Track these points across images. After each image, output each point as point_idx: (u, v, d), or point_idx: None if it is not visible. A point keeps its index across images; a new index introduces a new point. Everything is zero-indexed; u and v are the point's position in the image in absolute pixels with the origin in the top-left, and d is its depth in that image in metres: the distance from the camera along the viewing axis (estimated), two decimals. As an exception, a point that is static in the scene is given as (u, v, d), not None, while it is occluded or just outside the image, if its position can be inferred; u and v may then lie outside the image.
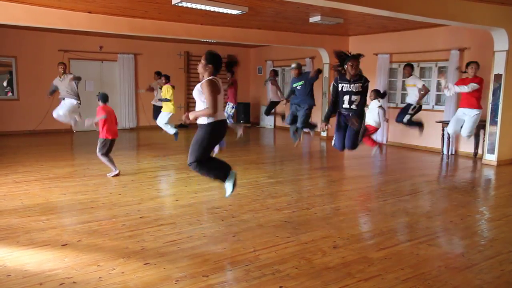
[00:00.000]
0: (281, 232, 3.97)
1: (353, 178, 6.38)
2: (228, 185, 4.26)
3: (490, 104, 7.54)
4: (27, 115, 11.07)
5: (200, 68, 4.18)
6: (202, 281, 2.96)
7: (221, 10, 6.94)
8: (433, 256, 3.51)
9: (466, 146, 8.57)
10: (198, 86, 4.12)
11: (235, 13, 7.16)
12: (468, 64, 7.06)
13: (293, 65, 7.34)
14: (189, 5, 6.49)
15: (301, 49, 11.83)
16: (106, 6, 7.18)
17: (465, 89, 6.95)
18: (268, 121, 13.70)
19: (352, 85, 4.96)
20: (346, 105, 5.05)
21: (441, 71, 8.02)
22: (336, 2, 5.53)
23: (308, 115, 7.39)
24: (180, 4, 6.47)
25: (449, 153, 8.57)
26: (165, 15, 8.04)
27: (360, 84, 5.00)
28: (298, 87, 6.85)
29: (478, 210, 4.91)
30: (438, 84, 9.20)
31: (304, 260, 3.35)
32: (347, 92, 5.00)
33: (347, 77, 4.99)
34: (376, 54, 10.23)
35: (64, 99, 8.23)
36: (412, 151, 7.80)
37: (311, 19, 7.96)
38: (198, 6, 6.60)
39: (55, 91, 8.22)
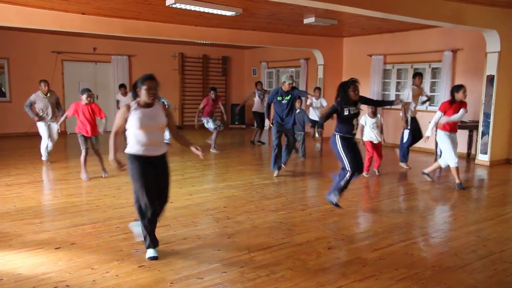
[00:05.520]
0: (276, 234, 3.97)
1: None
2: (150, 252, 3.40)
3: (483, 105, 7.60)
4: (20, 117, 10.95)
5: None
6: (197, 283, 2.96)
7: (215, 11, 6.94)
8: (427, 256, 3.53)
9: (460, 147, 8.59)
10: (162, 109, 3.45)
11: (229, 14, 7.16)
12: (459, 88, 5.70)
13: (288, 79, 6.37)
14: (183, 6, 6.48)
15: (295, 50, 11.85)
16: (99, 7, 7.15)
17: (456, 117, 5.72)
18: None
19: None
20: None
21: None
22: (330, 3, 5.55)
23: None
24: (174, 6, 6.46)
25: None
26: (159, 17, 8.02)
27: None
28: (284, 102, 6.49)
29: (472, 210, 4.94)
30: (432, 85, 9.27)
31: (299, 261, 3.35)
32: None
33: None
34: (370, 55, 10.27)
35: (48, 119, 7.36)
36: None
37: (305, 20, 7.99)
38: (192, 8, 6.59)
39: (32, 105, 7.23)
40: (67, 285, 2.90)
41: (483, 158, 7.70)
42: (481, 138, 7.71)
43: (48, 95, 7.34)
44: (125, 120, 3.27)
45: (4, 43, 10.65)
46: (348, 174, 4.54)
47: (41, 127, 7.41)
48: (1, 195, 5.24)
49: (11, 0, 6.73)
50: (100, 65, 12.17)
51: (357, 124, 4.61)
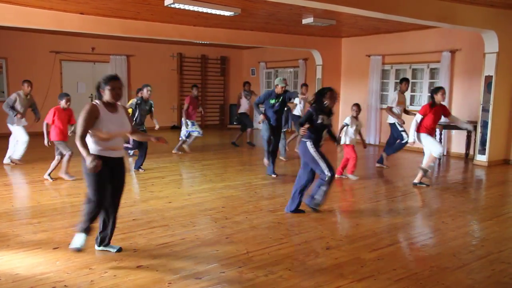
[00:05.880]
0: (274, 234, 3.97)
1: (346, 179, 6.40)
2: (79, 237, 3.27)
3: (481, 106, 7.62)
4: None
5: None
6: (195, 283, 2.95)
7: (213, 11, 6.94)
8: (425, 257, 3.54)
9: (458, 147, 8.66)
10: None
11: (228, 14, 7.16)
12: (438, 90, 5.87)
13: (282, 82, 6.34)
14: (181, 6, 6.48)
15: (294, 50, 11.86)
16: (98, 7, 7.15)
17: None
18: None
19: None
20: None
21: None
22: (328, 3, 5.56)
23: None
24: (172, 6, 6.46)
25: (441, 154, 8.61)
26: (158, 17, 8.02)
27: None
28: (277, 105, 6.50)
29: (470, 210, 4.94)
30: (430, 85, 9.28)
31: (297, 262, 3.35)
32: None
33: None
34: (369, 56, 10.29)
35: (22, 121, 7.21)
36: (404, 152, 7.86)
37: (304, 21, 7.99)
38: (191, 8, 6.59)
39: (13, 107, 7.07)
40: (65, 285, 2.89)
41: (481, 159, 7.71)
42: (479, 138, 7.72)
43: (28, 96, 7.23)
44: (95, 121, 3.12)
45: (2, 43, 10.63)
46: (328, 177, 4.40)
47: (18, 129, 7.20)
48: (-1, 195, 5.24)
49: (10, 0, 6.72)
50: (98, 65, 12.15)
51: (324, 137, 4.59)
